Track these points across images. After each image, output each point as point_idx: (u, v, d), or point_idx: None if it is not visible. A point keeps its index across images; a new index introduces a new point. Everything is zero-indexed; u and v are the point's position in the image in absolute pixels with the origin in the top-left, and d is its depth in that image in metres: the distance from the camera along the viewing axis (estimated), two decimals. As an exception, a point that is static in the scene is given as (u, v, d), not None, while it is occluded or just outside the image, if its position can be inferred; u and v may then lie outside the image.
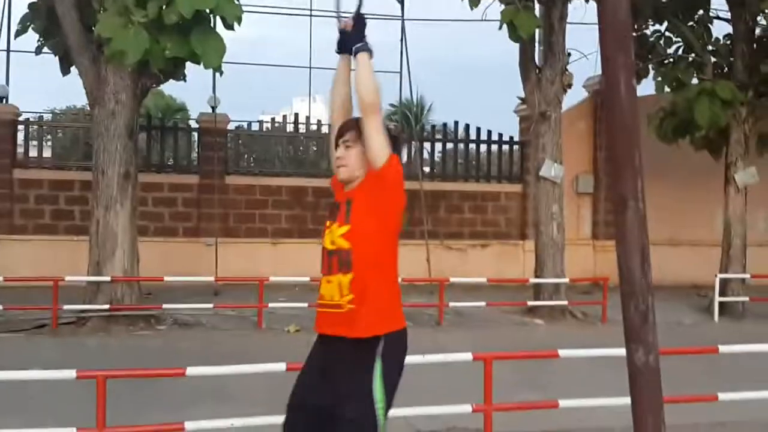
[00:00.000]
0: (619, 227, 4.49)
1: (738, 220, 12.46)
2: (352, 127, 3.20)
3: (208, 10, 8.33)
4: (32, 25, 10.89)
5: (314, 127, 16.81)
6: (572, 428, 5.82)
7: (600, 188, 15.95)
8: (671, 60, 12.74)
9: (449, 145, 16.98)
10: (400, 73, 16.33)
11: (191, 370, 4.72)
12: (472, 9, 11.56)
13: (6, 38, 14.04)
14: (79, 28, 9.87)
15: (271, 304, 10.57)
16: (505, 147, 16.76)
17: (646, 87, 13.42)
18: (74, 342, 9.20)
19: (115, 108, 9.96)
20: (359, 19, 3.26)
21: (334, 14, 3.38)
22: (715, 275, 12.18)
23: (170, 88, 29.14)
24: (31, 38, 11.10)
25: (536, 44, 12.32)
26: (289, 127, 16.88)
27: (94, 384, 4.48)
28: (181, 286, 12.33)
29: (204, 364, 5.28)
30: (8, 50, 14.30)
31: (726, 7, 12.63)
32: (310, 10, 16.27)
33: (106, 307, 9.98)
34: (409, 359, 5.27)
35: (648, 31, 13.40)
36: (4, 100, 14.18)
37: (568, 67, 11.87)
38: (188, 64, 9.47)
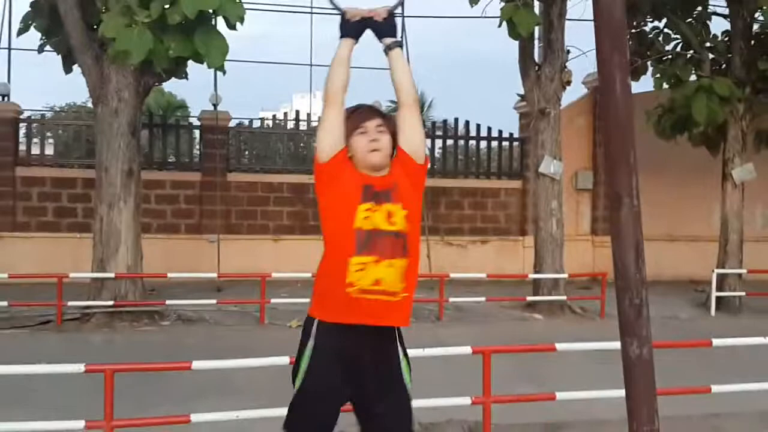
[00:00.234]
0: (614, 223, 4.60)
1: (735, 216, 12.54)
2: (380, 116, 3.15)
3: (211, 11, 8.40)
4: (34, 24, 10.96)
5: (315, 124, 16.88)
6: (570, 420, 5.92)
7: (599, 184, 16.04)
8: (669, 57, 12.81)
9: (449, 142, 17.06)
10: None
11: (197, 364, 4.81)
12: (471, 6, 11.63)
13: (7, 36, 14.15)
14: (82, 27, 9.95)
15: (273, 300, 10.69)
16: (505, 143, 16.84)
17: (645, 83, 13.54)
18: (79, 338, 9.30)
19: (117, 106, 10.05)
20: (393, 15, 3.25)
21: (332, 9, 3.41)
22: (712, 270, 12.28)
23: (170, 85, 29.17)
24: (32, 36, 11.20)
25: (535, 41, 12.42)
26: (290, 124, 16.95)
27: (101, 378, 4.56)
28: (184, 283, 12.45)
29: (208, 358, 5.36)
30: (9, 48, 14.40)
31: (724, 4, 12.68)
32: (311, 7, 16.38)
33: (110, 303, 10.08)
34: (410, 353, 5.39)
35: (647, 28, 13.46)
36: (6, 98, 14.25)
37: (567, 64, 11.95)
38: (189, 62, 9.58)
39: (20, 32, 11.08)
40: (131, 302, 10.24)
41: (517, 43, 11.86)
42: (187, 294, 11.41)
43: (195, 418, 4.78)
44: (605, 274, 11.75)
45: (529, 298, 11.87)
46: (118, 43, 8.25)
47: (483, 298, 11.52)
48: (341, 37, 3.20)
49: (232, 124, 15.61)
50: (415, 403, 5.43)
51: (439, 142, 17.02)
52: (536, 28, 11.74)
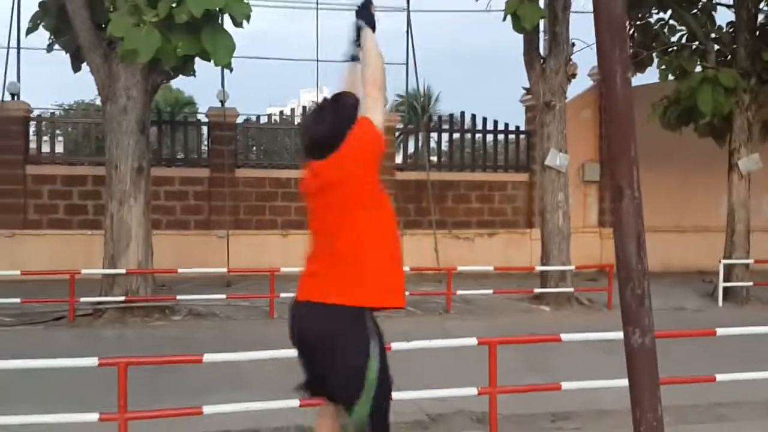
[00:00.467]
0: (616, 215, 4.68)
1: (741, 206, 12.58)
2: None
3: (217, 9, 8.49)
4: (43, 23, 11.07)
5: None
6: (576, 410, 6.00)
7: (606, 176, 16.04)
8: (675, 48, 12.83)
9: (456, 135, 17.12)
10: (406, 64, 16.50)
11: (208, 357, 4.91)
12: (476, 0, 11.69)
13: (17, 36, 14.25)
14: (90, 26, 10.04)
15: (282, 294, 10.78)
16: (512, 136, 16.89)
17: (650, 75, 13.57)
18: (91, 333, 9.43)
19: (126, 104, 10.16)
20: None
21: (342, 6, 3.67)
22: (719, 261, 12.32)
23: (178, 82, 29.29)
24: (41, 35, 11.32)
25: (541, 34, 12.45)
26: (297, 120, 17.01)
27: (114, 373, 4.65)
28: (194, 278, 12.57)
29: (219, 352, 5.46)
30: (18, 47, 14.50)
31: (729, -5, 12.74)
32: (317, 2, 16.42)
33: (122, 298, 10.21)
34: (418, 344, 5.49)
35: (652, 20, 13.48)
36: (16, 97, 14.37)
37: (572, 56, 11.99)
38: (197, 59, 9.66)
39: (29, 32, 11.20)
40: (142, 297, 10.36)
41: (522, 36, 11.90)
42: (197, 289, 11.53)
43: (207, 409, 4.88)
44: (612, 265, 11.79)
45: (537, 290, 11.94)
46: (127, 42, 8.35)
47: (490, 291, 11.58)
48: (369, 25, 3.50)
49: (240, 120, 15.70)
50: (423, 394, 5.58)
51: (445, 136, 17.08)
52: (541, 21, 11.78)
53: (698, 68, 12.31)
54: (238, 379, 6.54)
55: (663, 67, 12.67)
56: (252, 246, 14.39)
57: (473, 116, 16.71)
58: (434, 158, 17.14)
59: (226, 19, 9.14)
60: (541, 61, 11.97)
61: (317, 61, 16.33)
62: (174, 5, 8.43)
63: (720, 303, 12.08)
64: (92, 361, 4.78)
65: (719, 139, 13.04)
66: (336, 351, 3.23)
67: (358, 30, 3.53)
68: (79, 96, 33.53)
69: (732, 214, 12.65)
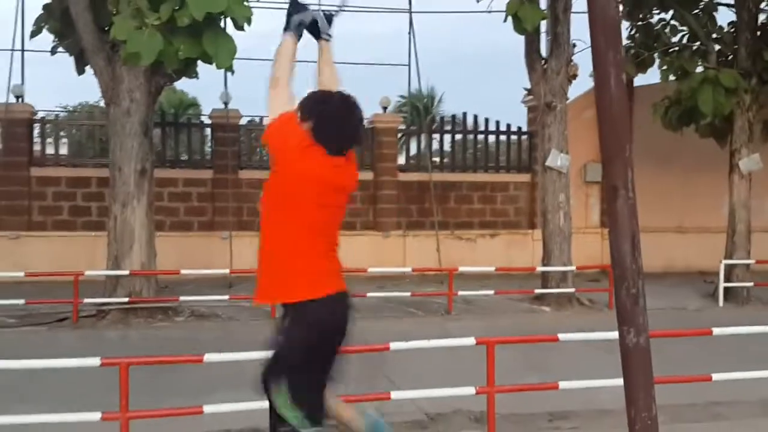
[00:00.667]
0: (611, 215, 4.72)
1: (742, 206, 12.61)
2: None
3: (219, 12, 8.56)
4: (46, 26, 11.15)
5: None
6: (575, 410, 6.04)
7: (607, 177, 16.07)
8: (676, 48, 12.86)
9: (458, 136, 17.16)
10: (408, 65, 16.57)
11: (208, 357, 4.97)
12: (478, 1, 11.74)
13: (21, 38, 14.33)
14: (93, 29, 10.11)
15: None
16: (514, 137, 16.92)
17: (652, 76, 13.60)
18: (95, 334, 9.51)
19: (130, 106, 10.23)
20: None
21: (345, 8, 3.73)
22: (720, 261, 12.34)
23: (183, 84, 29.30)
24: (45, 36, 11.38)
25: (542, 35, 12.48)
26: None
27: (116, 373, 4.72)
28: (197, 279, 12.64)
29: (221, 352, 5.51)
30: (23, 50, 14.59)
31: (730, -5, 12.77)
32: (319, 2, 16.47)
33: (125, 300, 10.27)
34: (416, 344, 5.53)
35: (653, 20, 13.50)
36: (20, 99, 14.45)
37: (573, 57, 12.03)
38: (200, 61, 9.73)
39: (33, 34, 11.28)
40: (146, 299, 10.43)
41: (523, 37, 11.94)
42: (200, 290, 11.61)
43: (207, 409, 4.94)
44: (613, 266, 11.82)
45: (538, 291, 11.98)
46: (129, 45, 8.43)
47: (492, 291, 11.63)
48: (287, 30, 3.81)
49: (243, 121, 15.77)
50: (422, 393, 5.63)
51: (447, 137, 17.11)
52: (543, 22, 11.81)
53: (699, 68, 12.34)
54: (239, 379, 6.58)
55: (664, 67, 12.71)
56: (255, 247, 14.31)
57: (475, 117, 16.76)
58: (437, 159, 17.19)
59: (228, 22, 9.23)
60: (543, 62, 12.00)
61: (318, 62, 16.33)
62: (176, 8, 8.50)
63: (720, 303, 12.12)
64: (94, 361, 4.86)
65: (720, 140, 13.07)
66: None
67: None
68: (84, 97, 33.65)
69: (733, 215, 12.68)
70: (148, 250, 10.51)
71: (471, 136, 16.86)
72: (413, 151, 18.06)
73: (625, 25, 13.47)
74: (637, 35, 13.43)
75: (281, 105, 3.56)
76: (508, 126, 16.64)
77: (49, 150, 16.00)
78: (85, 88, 31.10)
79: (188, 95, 35.53)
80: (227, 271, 12.33)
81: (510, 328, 9.60)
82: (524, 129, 16.65)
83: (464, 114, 16.99)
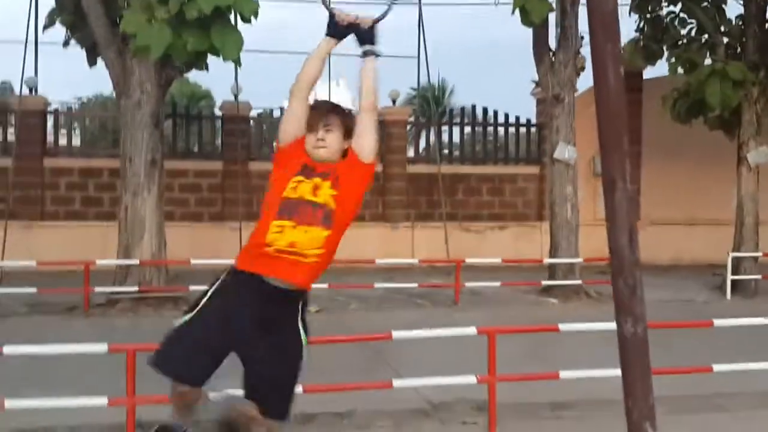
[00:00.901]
0: (609, 207, 4.80)
1: (750, 199, 12.61)
2: (336, 113, 3.47)
3: (226, 6, 8.66)
4: (59, 19, 11.28)
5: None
6: (577, 399, 6.10)
7: (616, 169, 16.04)
8: (685, 41, 12.86)
9: (467, 129, 17.20)
10: (418, 57, 16.62)
11: (213, 344, 5.05)
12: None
13: (34, 30, 14.46)
14: (105, 22, 10.20)
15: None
16: (523, 129, 16.94)
17: (662, 68, 13.60)
18: (105, 322, 9.63)
19: (140, 98, 10.34)
20: (377, 23, 3.51)
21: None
22: (727, 254, 12.35)
23: (196, 75, 29.55)
24: (59, 29, 11.53)
25: (551, 27, 12.48)
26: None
27: (123, 360, 4.83)
28: (207, 269, 12.72)
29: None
30: (36, 42, 14.72)
31: (739, -12, 12.74)
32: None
33: (135, 289, 10.40)
34: (419, 334, 5.60)
35: (662, 13, 13.49)
36: (34, 91, 14.60)
37: (581, 50, 12.04)
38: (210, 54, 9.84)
39: (45, 27, 11.44)
40: (156, 288, 10.55)
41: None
42: (209, 280, 11.67)
43: (213, 395, 5.02)
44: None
45: (545, 283, 12.02)
46: (139, 38, 8.54)
47: (498, 283, 11.66)
48: (327, 35, 3.50)
49: (254, 113, 15.86)
50: (425, 381, 5.72)
51: (456, 129, 17.16)
52: (551, 14, 11.82)
53: (708, 61, 12.33)
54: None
55: (673, 60, 12.71)
56: (264, 238, 14.51)
57: (484, 109, 16.79)
58: (447, 151, 17.21)
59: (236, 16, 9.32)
60: (551, 54, 12.02)
61: (329, 54, 16.40)
62: (184, 2, 8.60)
63: (728, 296, 12.13)
64: (102, 348, 4.96)
65: (729, 132, 13.06)
66: None
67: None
68: (98, 89, 33.88)
69: (741, 207, 12.69)
70: (158, 240, 10.63)
71: (480, 128, 16.90)
72: (423, 143, 18.12)
73: (634, 17, 13.48)
74: (647, 28, 13.41)
75: (293, 121, 3.49)
76: (517, 118, 16.67)
77: (62, 141, 16.18)
78: (100, 81, 31.32)
79: (201, 87, 35.71)
80: (236, 261, 12.41)
81: (516, 319, 9.64)
82: (533, 121, 16.67)
83: (473, 106, 17.04)
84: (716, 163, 15.35)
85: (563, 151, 11.83)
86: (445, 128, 17.41)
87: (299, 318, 3.46)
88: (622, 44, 13.19)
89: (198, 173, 15.11)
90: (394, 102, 15.80)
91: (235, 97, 14.71)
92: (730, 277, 12.17)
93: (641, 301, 4.74)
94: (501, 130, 16.77)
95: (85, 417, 5.26)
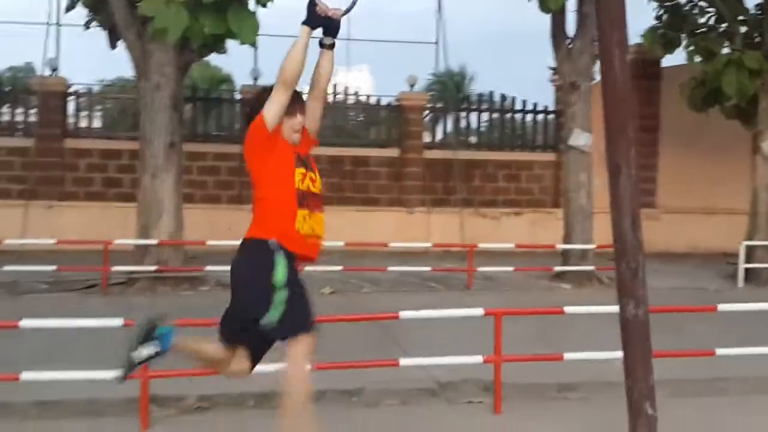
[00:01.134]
0: (613, 192, 4.89)
1: (765, 189, 12.59)
2: (300, 99, 3.85)
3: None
4: (81, 1, 11.43)
5: (352, 98, 17.19)
6: (582, 381, 6.18)
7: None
8: (703, 30, 12.81)
9: (484, 115, 17.23)
10: (437, 43, 16.67)
11: (224, 320, 5.18)
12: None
13: (56, 12, 14.64)
14: (125, 5, 10.33)
15: (307, 267, 11.03)
16: (540, 116, 16.94)
17: (681, 56, 13.55)
18: (123, 301, 9.82)
19: (160, 81, 10.48)
20: (343, 16, 3.75)
21: None
22: (740, 242, 12.34)
23: (216, 59, 29.66)
24: (81, 10, 11.66)
25: (570, 13, 12.47)
26: (332, 98, 17.29)
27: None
28: (224, 250, 12.88)
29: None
30: (58, 24, 14.91)
31: (758, -23, 12.65)
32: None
33: (153, 268, 10.58)
34: (426, 314, 5.71)
35: (682, 1, 13.43)
36: (55, 73, 14.79)
37: (598, 37, 11.99)
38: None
39: (68, 9, 11.60)
40: (173, 268, 10.73)
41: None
42: (226, 261, 11.81)
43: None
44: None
45: (557, 268, 12.09)
46: (157, 21, 8.67)
47: (511, 268, 11.74)
48: (305, 24, 3.67)
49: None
50: (432, 361, 5.83)
51: (474, 116, 17.18)
52: (568, 1, 11.81)
53: (725, 50, 12.28)
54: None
55: (691, 48, 12.67)
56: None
57: (502, 96, 16.82)
58: (465, 138, 17.21)
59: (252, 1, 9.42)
60: (568, 41, 12.02)
61: (348, 39, 16.50)
62: (202, -15, 8.71)
63: (740, 284, 12.14)
64: (117, 322, 5.12)
65: (746, 121, 13.02)
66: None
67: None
68: (121, 71, 34.09)
69: (755, 196, 12.68)
70: (176, 221, 10.79)
71: (497, 115, 16.92)
72: (444, 129, 18.17)
73: (653, 5, 13.43)
74: (665, 16, 13.36)
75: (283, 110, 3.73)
76: (535, 105, 16.69)
77: (83, 123, 16.38)
78: (121, 63, 31.56)
79: (221, 71, 35.82)
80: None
81: (528, 304, 9.66)
82: (551, 108, 16.66)
83: (491, 93, 17.06)
84: (734, 152, 15.31)
85: (578, 138, 11.86)
86: (463, 114, 17.44)
87: None
88: (642, 32, 13.25)
89: (217, 156, 15.26)
90: (412, 87, 15.86)
91: (255, 80, 14.83)
92: (742, 265, 12.17)
93: (643, 284, 4.83)
94: (519, 116, 16.79)
95: (101, 391, 5.42)
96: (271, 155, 3.73)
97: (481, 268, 11.49)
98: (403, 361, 5.52)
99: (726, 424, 5.34)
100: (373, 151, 16.03)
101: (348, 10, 3.75)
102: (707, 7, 12.98)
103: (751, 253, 12.43)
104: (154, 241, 10.58)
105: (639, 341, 4.55)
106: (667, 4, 13.30)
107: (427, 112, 17.05)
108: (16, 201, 14.19)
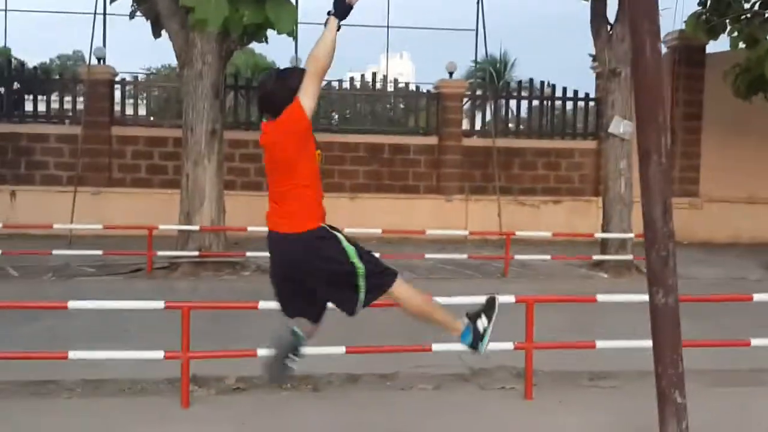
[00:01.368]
0: (643, 179, 4.93)
1: (807, 177, 12.40)
2: None
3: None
4: (126, -9, 11.70)
5: (391, 86, 17.27)
6: (616, 370, 6.21)
7: (676, 144, 15.80)
8: (747, 16, 12.62)
9: (524, 103, 17.17)
10: (476, 29, 16.63)
11: (263, 304, 5.36)
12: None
13: (103, 2, 14.93)
14: (169, -5, 10.58)
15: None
16: (581, 103, 16.82)
17: (727, 43, 13.34)
18: (166, 284, 10.06)
19: (202, 69, 10.68)
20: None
21: None
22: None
23: (260, 46, 29.93)
24: (127, 1, 11.95)
25: (609, 0, 12.36)
26: (378, 85, 17.41)
27: (179, 316, 5.17)
28: (265, 236, 13.10)
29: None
30: (105, 13, 15.22)
31: (806, -39, 12.41)
32: (386, -32, 16.63)
33: (196, 253, 10.83)
34: (457, 300, 5.80)
35: (726, -13, 13.26)
36: (102, 61, 15.11)
37: (640, 24, 11.88)
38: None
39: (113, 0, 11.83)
40: (215, 253, 10.96)
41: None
42: (266, 247, 12.03)
43: (261, 352, 5.32)
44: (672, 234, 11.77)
45: (595, 257, 12.04)
46: (197, 11, 8.85)
47: (548, 257, 11.74)
48: (335, 15, 3.84)
49: (319, 85, 16.06)
50: (459, 347, 5.88)
51: (513, 103, 17.12)
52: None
53: (769, 37, 12.10)
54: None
55: (735, 34, 12.50)
56: (320, 207, 14.82)
57: (542, 83, 16.75)
58: (505, 125, 17.18)
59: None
60: (608, 27, 11.93)
61: (388, 27, 16.56)
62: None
63: (782, 274, 12.01)
64: (159, 304, 5.31)
65: (791, 109, 12.83)
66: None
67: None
68: (167, 60, 34.66)
69: (799, 186, 12.49)
70: (218, 207, 11.01)
71: (537, 102, 16.85)
72: (484, 116, 18.14)
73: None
74: (709, 1, 13.18)
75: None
76: (575, 92, 16.57)
77: (129, 111, 16.72)
78: (166, 51, 32.04)
79: (266, 58, 36.15)
80: (293, 229, 12.72)
81: (563, 292, 9.70)
82: (592, 95, 16.54)
83: (531, 80, 17.01)
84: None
85: (618, 126, 11.79)
86: (502, 102, 17.40)
87: None
88: (685, 18, 13.10)
89: (258, 144, 15.42)
90: (450, 75, 15.87)
91: (295, 68, 14.97)
92: (785, 255, 12.04)
93: (673, 272, 4.85)
94: (559, 104, 16.70)
95: (144, 371, 5.64)
96: (309, 142, 3.89)
97: (518, 256, 11.51)
98: (436, 347, 5.61)
99: (762, 413, 5.34)
100: (413, 138, 16.10)
101: None
102: (753, -7, 12.78)
103: (793, 243, 12.27)
104: (196, 227, 10.81)
105: (668, 329, 4.57)
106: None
107: (466, 99, 17.05)
108: (66, 187, 14.56)
